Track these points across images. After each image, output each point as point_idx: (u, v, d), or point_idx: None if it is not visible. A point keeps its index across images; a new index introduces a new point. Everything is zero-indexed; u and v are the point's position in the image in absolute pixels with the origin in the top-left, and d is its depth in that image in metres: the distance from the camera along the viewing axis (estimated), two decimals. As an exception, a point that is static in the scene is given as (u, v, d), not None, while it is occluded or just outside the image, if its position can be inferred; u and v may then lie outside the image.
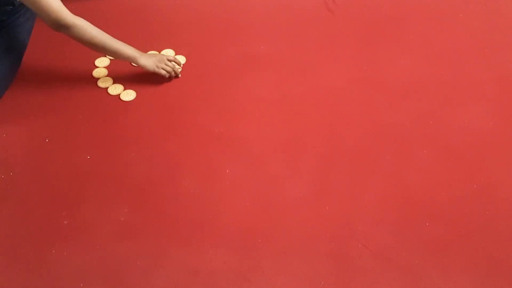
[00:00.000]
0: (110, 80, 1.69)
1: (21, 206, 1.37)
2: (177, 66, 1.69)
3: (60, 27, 1.50)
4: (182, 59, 1.78)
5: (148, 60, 1.64)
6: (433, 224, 1.34)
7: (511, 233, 1.32)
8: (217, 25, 1.93)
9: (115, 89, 1.67)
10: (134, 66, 1.74)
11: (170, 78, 1.68)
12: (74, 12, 1.53)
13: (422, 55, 1.82)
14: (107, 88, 1.67)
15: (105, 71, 1.72)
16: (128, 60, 1.63)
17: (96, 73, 1.72)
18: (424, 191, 1.41)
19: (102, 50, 1.60)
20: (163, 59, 1.66)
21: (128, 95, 1.65)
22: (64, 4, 1.51)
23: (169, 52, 1.80)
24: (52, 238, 1.30)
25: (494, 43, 1.88)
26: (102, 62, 1.75)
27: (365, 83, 1.71)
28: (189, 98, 1.66)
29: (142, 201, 1.38)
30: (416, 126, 1.58)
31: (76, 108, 1.62)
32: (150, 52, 1.76)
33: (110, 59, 1.76)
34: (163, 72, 1.65)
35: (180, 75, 1.70)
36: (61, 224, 1.33)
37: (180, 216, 1.35)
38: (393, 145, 1.53)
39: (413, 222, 1.35)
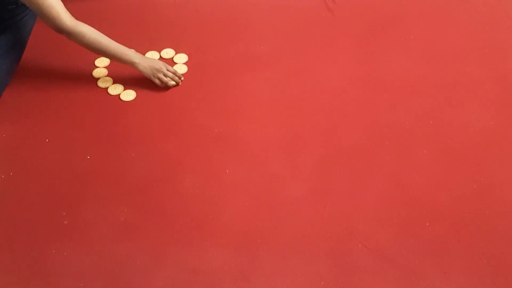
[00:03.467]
0: (110, 80, 1.69)
1: (21, 206, 1.37)
2: (176, 78, 1.66)
3: (61, 32, 1.51)
4: (183, 57, 1.78)
5: (147, 67, 1.63)
6: (433, 224, 1.34)
7: (511, 233, 1.32)
8: (217, 25, 1.93)
9: (115, 89, 1.67)
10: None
11: (166, 88, 1.67)
12: (75, 12, 1.54)
13: (422, 55, 1.82)
14: (107, 88, 1.67)
15: (105, 71, 1.72)
16: (128, 64, 1.63)
17: (96, 73, 1.72)
18: (424, 191, 1.41)
19: (103, 55, 1.62)
20: (162, 68, 1.64)
21: (128, 95, 1.65)
22: (65, 4, 1.51)
23: (169, 52, 1.80)
24: (52, 238, 1.30)
25: (494, 43, 1.88)
26: (102, 62, 1.75)
27: (365, 83, 1.71)
28: (189, 98, 1.66)
29: (142, 201, 1.38)
30: (416, 126, 1.58)
31: (76, 108, 1.62)
32: (150, 52, 1.76)
33: (110, 59, 1.76)
34: (158, 82, 1.64)
35: (180, 83, 1.68)
36: (61, 224, 1.33)
37: (180, 216, 1.35)
38: (393, 145, 1.53)
39: (413, 222, 1.35)
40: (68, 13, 1.51)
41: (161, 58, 1.78)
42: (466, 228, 1.33)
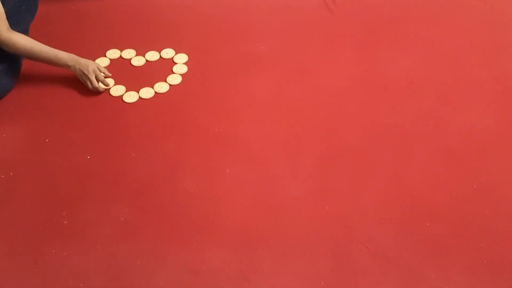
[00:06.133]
0: (111, 81, 1.69)
1: (21, 206, 1.37)
2: (103, 84, 1.66)
3: None
4: (183, 57, 1.78)
5: (77, 70, 1.64)
6: (433, 224, 1.34)
7: (511, 233, 1.32)
8: (217, 25, 1.93)
9: (117, 90, 1.66)
10: (134, 66, 1.74)
11: (98, 92, 1.66)
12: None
13: (422, 55, 1.82)
14: (108, 89, 1.67)
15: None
16: (65, 68, 1.65)
17: (96, 73, 1.72)
18: (424, 191, 1.41)
19: (38, 60, 1.62)
20: (90, 74, 1.63)
21: (131, 96, 1.65)
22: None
23: (169, 52, 1.80)
24: (52, 238, 1.30)
25: (494, 43, 1.88)
26: (102, 62, 1.75)
27: (365, 83, 1.71)
28: (189, 98, 1.66)
29: (142, 201, 1.38)
30: (416, 126, 1.58)
31: (76, 108, 1.62)
32: (150, 52, 1.76)
33: (110, 59, 1.76)
34: (88, 84, 1.64)
35: (107, 86, 1.67)
36: (61, 224, 1.33)
37: (180, 216, 1.35)
38: (393, 145, 1.53)
39: (413, 222, 1.35)
40: (6, 24, 1.54)
41: (161, 58, 1.78)
42: (466, 228, 1.33)
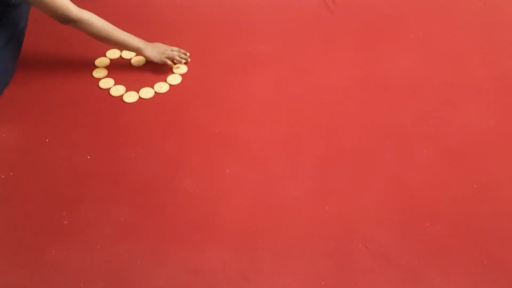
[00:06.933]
0: (111, 81, 1.69)
1: (21, 206, 1.37)
2: (182, 55, 1.73)
3: (68, 22, 1.54)
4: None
5: (153, 51, 1.69)
6: (433, 224, 1.34)
7: (511, 233, 1.32)
8: (217, 25, 1.93)
9: (117, 90, 1.66)
10: (134, 66, 1.74)
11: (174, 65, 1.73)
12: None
13: (422, 55, 1.82)
14: (108, 89, 1.67)
15: (105, 71, 1.72)
16: (134, 51, 1.69)
17: (96, 73, 1.72)
18: (424, 191, 1.41)
19: (108, 43, 1.64)
20: (167, 50, 1.71)
21: (131, 96, 1.65)
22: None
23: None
24: (52, 238, 1.30)
25: (494, 43, 1.88)
26: (102, 62, 1.75)
27: (365, 83, 1.71)
28: (189, 98, 1.66)
29: (142, 201, 1.38)
30: (416, 126, 1.58)
31: (76, 108, 1.62)
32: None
33: (110, 59, 1.76)
34: (169, 62, 1.70)
35: (188, 60, 1.75)
36: (61, 224, 1.33)
37: (180, 216, 1.35)
38: (393, 145, 1.53)
39: (413, 222, 1.35)
40: (73, 4, 1.53)
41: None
42: (466, 228, 1.33)
